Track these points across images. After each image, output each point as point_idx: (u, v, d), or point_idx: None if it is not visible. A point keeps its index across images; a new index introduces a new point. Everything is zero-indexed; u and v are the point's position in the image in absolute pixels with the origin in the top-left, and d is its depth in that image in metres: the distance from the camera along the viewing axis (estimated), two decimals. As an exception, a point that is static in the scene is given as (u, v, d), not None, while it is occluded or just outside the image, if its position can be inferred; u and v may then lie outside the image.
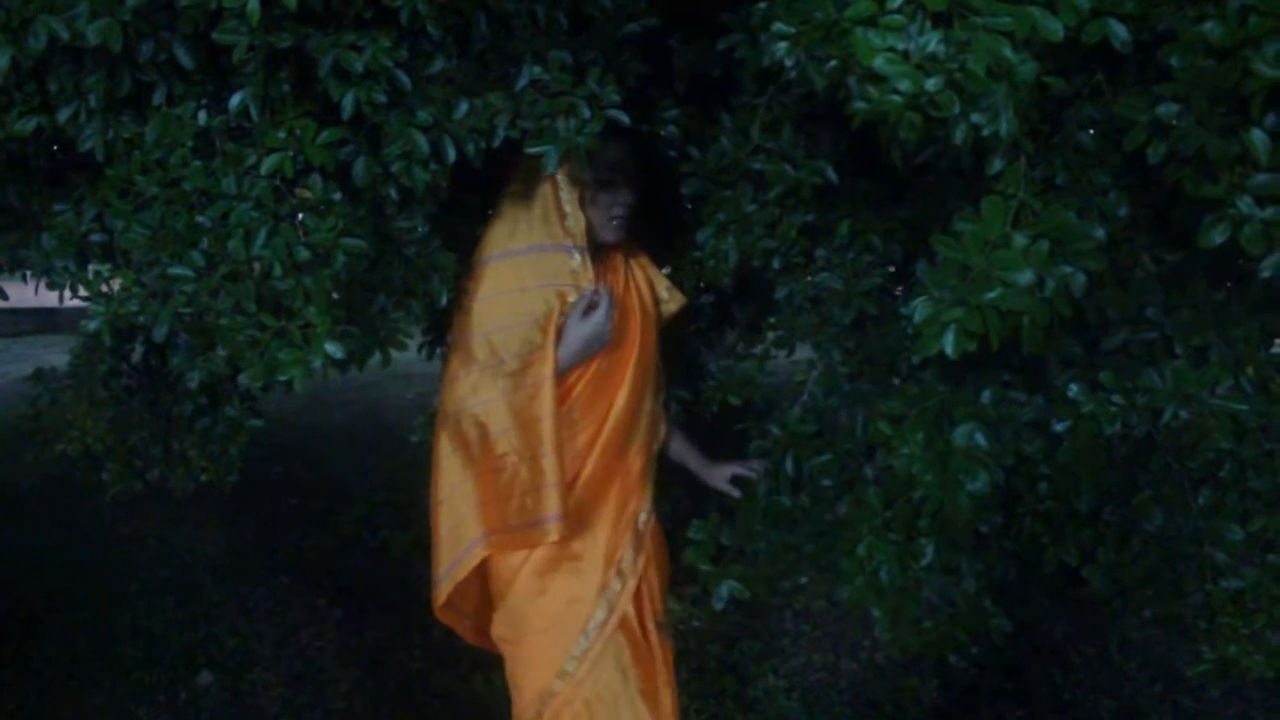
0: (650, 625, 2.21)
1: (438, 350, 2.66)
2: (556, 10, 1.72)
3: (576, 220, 2.04)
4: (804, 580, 2.10)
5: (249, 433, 2.39)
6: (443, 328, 2.56)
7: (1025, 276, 1.35)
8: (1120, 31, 1.28)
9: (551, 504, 2.04)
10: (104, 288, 1.78)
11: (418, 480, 2.61)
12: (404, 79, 1.62)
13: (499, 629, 2.17)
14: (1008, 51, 1.15)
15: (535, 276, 2.06)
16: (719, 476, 2.30)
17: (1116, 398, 1.66)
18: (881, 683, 3.36)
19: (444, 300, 1.91)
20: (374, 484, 4.85)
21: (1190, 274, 1.67)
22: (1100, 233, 1.43)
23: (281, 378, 1.61)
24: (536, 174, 2.01)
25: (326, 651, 3.52)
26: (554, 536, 2.05)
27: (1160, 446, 1.78)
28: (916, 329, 1.41)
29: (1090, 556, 1.93)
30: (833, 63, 1.28)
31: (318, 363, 1.60)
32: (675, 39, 1.97)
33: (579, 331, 2.06)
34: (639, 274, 2.24)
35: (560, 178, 2.02)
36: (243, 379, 1.63)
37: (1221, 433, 1.67)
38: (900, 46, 1.17)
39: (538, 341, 2.05)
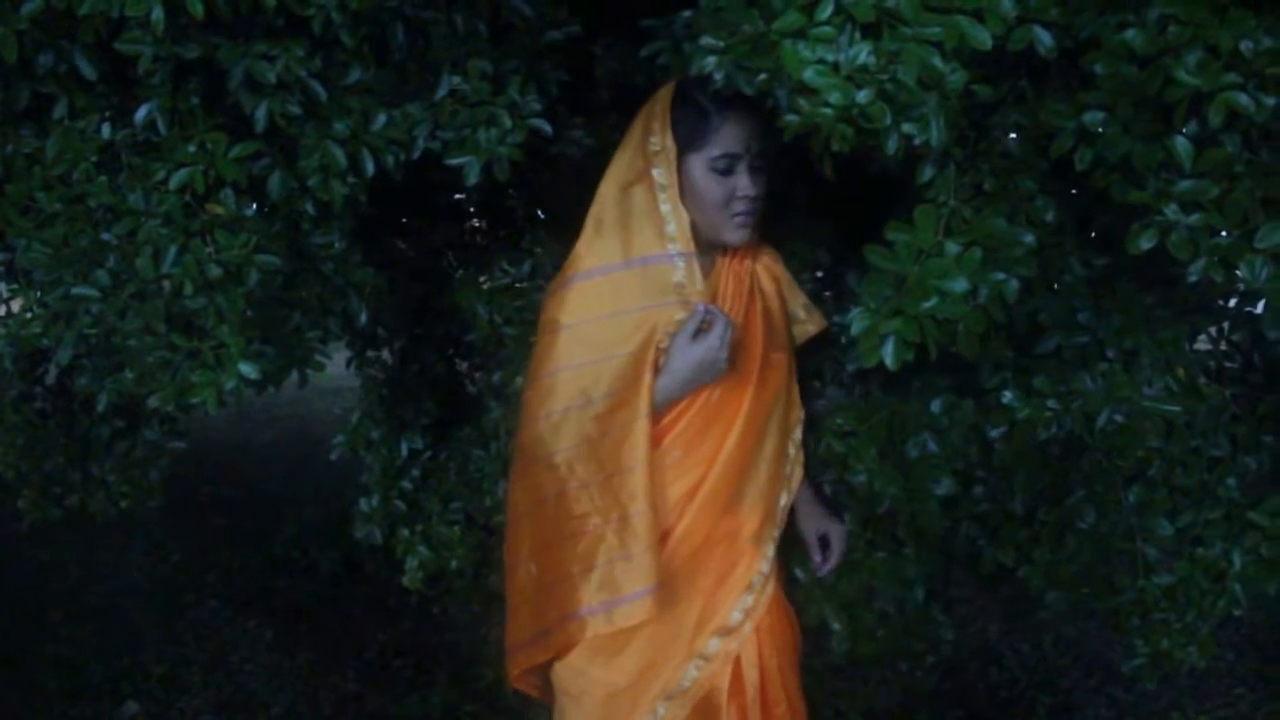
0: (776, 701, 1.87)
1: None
2: (476, 19, 1.67)
3: (679, 222, 1.70)
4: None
5: (170, 455, 2.32)
6: (366, 342, 2.50)
7: (960, 285, 1.35)
8: (1045, 39, 1.27)
9: (643, 575, 1.67)
10: (3, 309, 1.70)
11: (347, 498, 2.55)
12: (319, 90, 1.56)
13: (558, 681, 1.83)
14: (938, 61, 1.13)
15: (637, 296, 1.71)
16: (813, 528, 1.95)
17: (1051, 402, 1.67)
18: (820, 687, 3.36)
19: (363, 319, 1.83)
20: (303, 502, 4.76)
21: (1117, 278, 1.68)
22: (1030, 238, 1.43)
23: (193, 400, 1.54)
24: (627, 172, 1.73)
25: (258, 675, 3.42)
26: (643, 616, 1.67)
27: (1091, 446, 1.79)
28: (853, 340, 1.40)
29: (1026, 557, 1.93)
30: (762, 75, 1.26)
31: (231, 384, 1.53)
32: (598, 46, 1.93)
33: (687, 357, 1.69)
34: (768, 284, 1.85)
35: (656, 172, 1.69)
36: (152, 402, 1.56)
37: (1155, 433, 1.69)
38: (830, 58, 1.15)
39: (632, 375, 1.69)
